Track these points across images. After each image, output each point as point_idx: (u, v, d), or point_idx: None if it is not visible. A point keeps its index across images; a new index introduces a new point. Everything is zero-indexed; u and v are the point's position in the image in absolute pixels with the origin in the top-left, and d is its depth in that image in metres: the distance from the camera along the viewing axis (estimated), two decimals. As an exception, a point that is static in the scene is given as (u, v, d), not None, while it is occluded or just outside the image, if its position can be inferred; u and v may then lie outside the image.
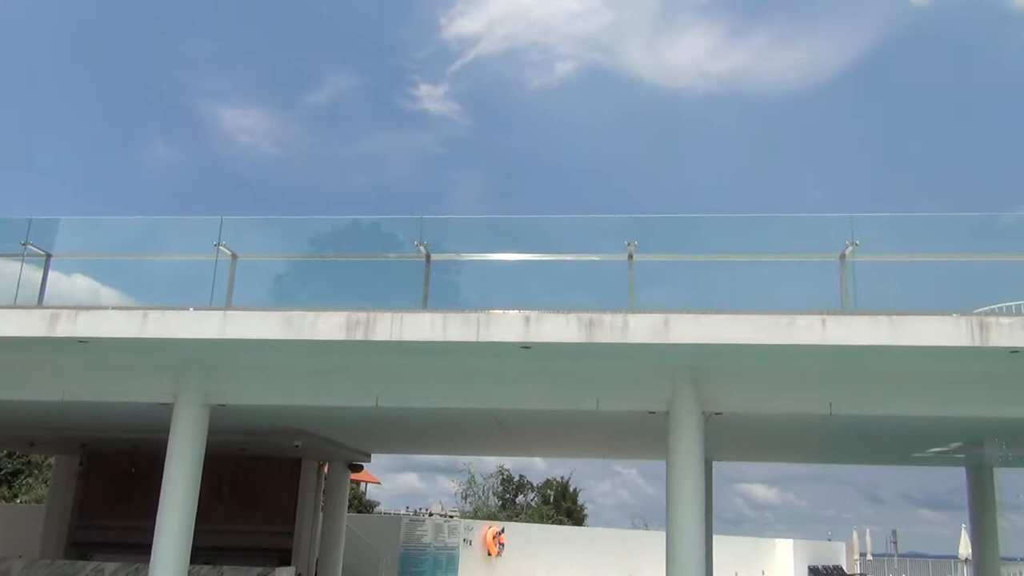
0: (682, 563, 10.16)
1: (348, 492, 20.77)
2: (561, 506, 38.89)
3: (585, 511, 40.54)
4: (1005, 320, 9.16)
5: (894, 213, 12.08)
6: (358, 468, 20.53)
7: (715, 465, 17.98)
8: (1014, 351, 9.19)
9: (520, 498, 40.99)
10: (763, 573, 35.11)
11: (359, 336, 9.94)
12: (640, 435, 14.10)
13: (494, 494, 39.60)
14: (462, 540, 20.57)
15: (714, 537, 16.73)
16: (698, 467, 10.56)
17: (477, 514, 35.62)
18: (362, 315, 9.99)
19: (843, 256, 10.44)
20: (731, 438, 14.23)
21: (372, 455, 20.55)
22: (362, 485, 42.20)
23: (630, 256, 10.78)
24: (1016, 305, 10.33)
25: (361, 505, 39.67)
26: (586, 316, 9.64)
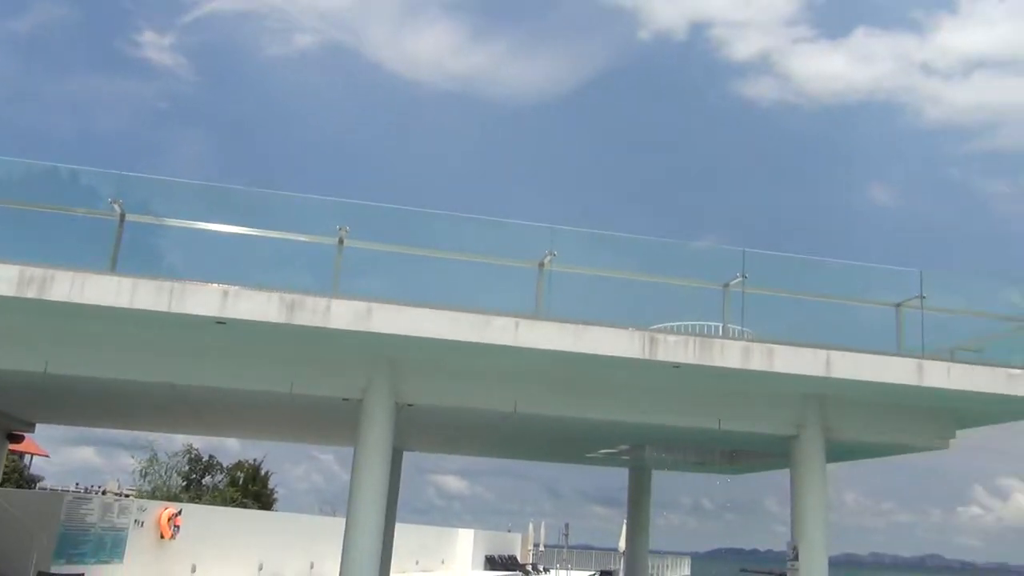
0: (358, 550, 10.29)
1: (3, 464, 18.74)
2: (249, 489, 37.63)
3: (275, 495, 39.57)
4: (671, 338, 10.22)
5: (594, 229, 13.04)
6: (18, 438, 18.62)
7: (409, 455, 18.34)
8: (676, 366, 10.28)
9: (208, 479, 39.13)
10: (443, 562, 36.26)
11: (31, 294, 9.10)
12: (334, 421, 14.05)
13: (178, 474, 37.41)
14: (133, 521, 19.27)
15: (398, 526, 17.05)
16: (384, 456, 10.73)
17: (156, 494, 33.46)
18: (37, 271, 9.13)
19: (541, 264, 11.08)
20: (423, 429, 14.59)
21: (37, 425, 18.74)
22: (26, 457, 38.34)
23: (340, 241, 10.73)
24: (684, 325, 11.42)
25: (22, 479, 36.00)
26: (288, 296, 9.48)
